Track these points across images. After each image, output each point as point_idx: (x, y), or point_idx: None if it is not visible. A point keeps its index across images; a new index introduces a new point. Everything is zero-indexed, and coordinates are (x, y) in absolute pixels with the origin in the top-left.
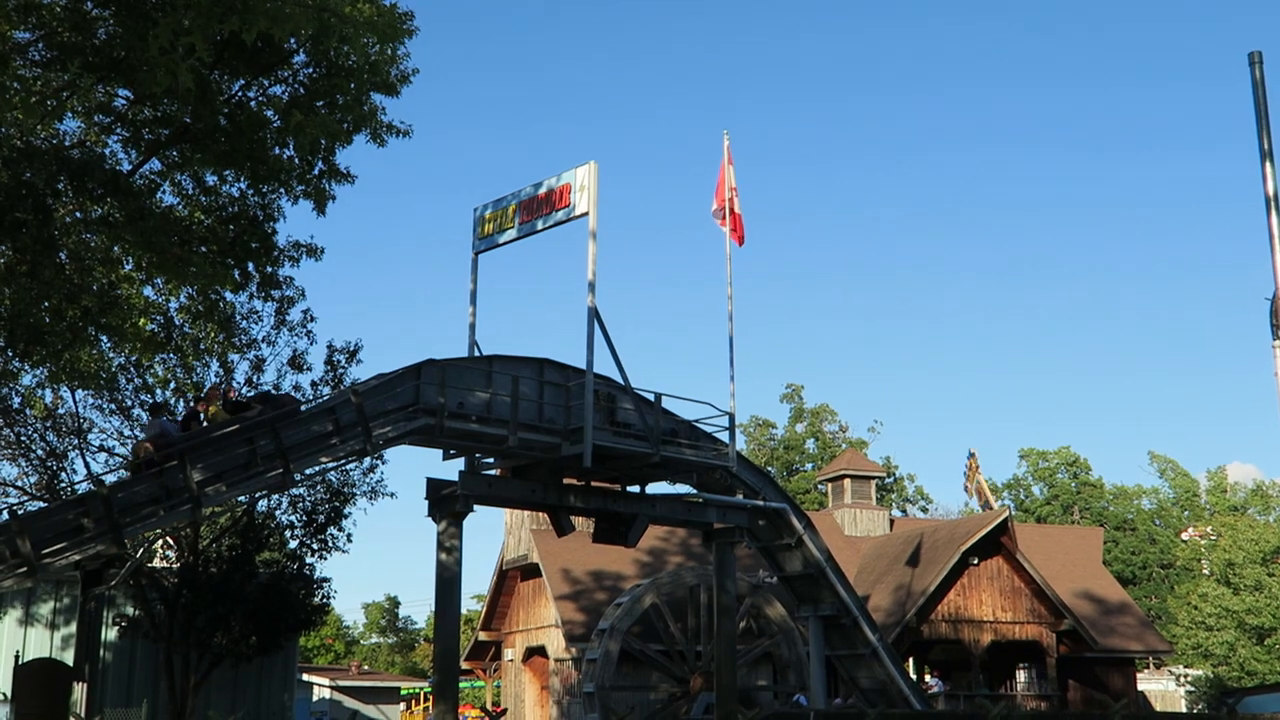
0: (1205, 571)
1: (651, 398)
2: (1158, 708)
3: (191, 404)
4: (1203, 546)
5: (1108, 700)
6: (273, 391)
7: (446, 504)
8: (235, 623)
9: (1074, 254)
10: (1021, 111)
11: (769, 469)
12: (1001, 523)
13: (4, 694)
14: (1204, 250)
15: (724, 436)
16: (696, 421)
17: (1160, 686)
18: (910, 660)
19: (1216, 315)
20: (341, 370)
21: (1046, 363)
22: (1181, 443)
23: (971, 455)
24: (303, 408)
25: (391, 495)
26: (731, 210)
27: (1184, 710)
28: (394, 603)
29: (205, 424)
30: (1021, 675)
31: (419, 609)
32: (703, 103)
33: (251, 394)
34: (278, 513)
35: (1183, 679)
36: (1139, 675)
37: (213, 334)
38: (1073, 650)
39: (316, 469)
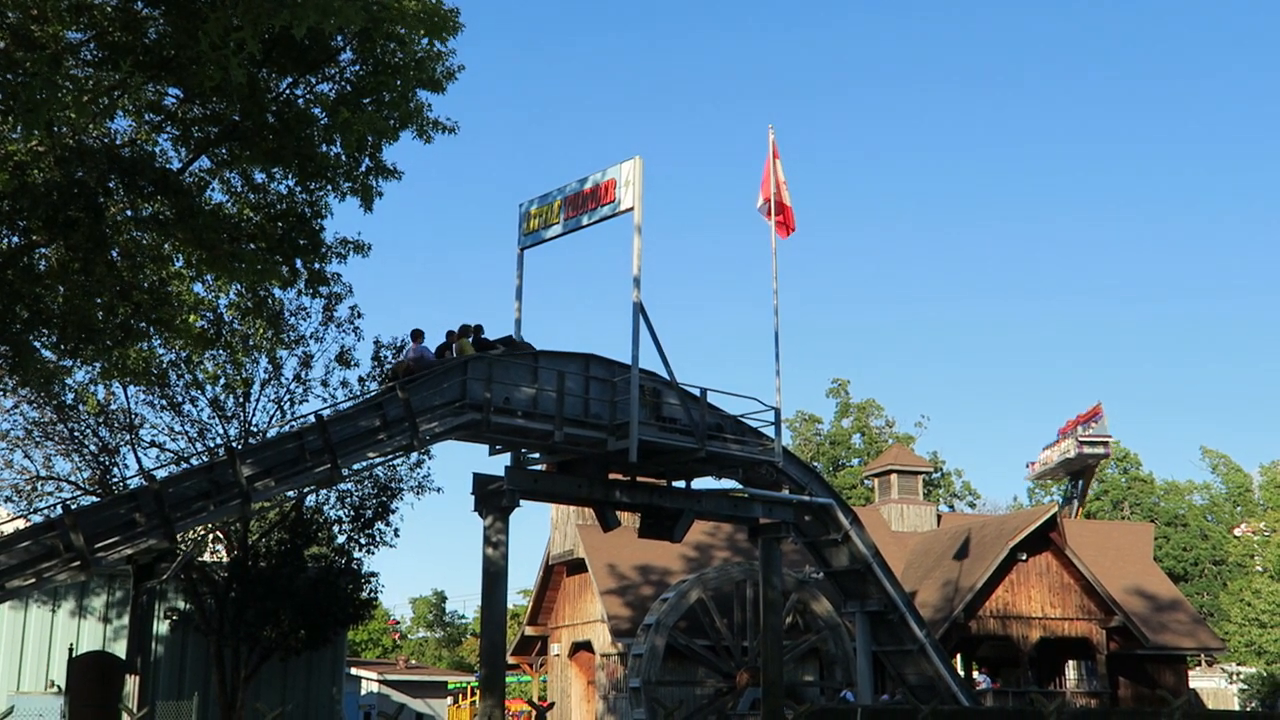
0: (1258, 568)
1: (697, 393)
2: (1210, 705)
3: (445, 338)
4: (1256, 542)
5: (1166, 696)
6: (514, 337)
7: (493, 499)
8: (284, 617)
9: (1124, 247)
10: (1065, 100)
11: (815, 464)
12: (1050, 518)
13: (58, 686)
14: (1260, 242)
15: (770, 431)
16: (742, 416)
17: (1213, 684)
18: (958, 656)
19: (1271, 308)
20: (388, 366)
21: (1095, 356)
22: (1234, 438)
23: None
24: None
25: (438, 490)
26: (780, 203)
27: (1237, 708)
28: (441, 597)
29: (455, 355)
30: (1071, 672)
31: (466, 604)
32: (749, 95)
33: (498, 337)
34: (326, 508)
35: (1235, 677)
36: (1190, 673)
37: (261, 330)
38: (1123, 647)
39: (364, 464)
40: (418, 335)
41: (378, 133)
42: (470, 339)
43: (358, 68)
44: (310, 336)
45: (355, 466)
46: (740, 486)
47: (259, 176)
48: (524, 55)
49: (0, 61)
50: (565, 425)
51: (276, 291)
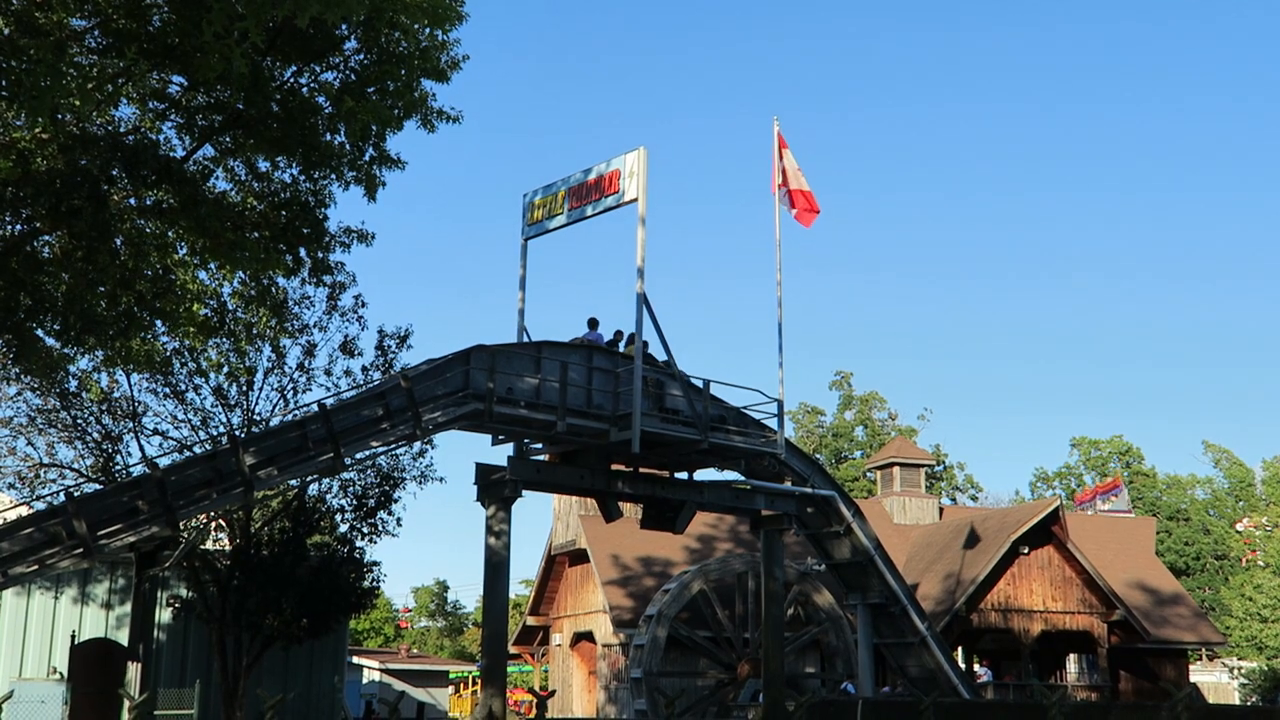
0: (1260, 562)
1: (700, 384)
2: (1211, 700)
3: (613, 336)
4: (1258, 537)
5: (1169, 689)
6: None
7: (495, 489)
8: (286, 605)
9: (1127, 241)
10: (1074, 96)
11: (818, 456)
12: (1052, 511)
13: (61, 673)
14: (1260, 237)
15: (773, 423)
16: (745, 408)
17: (1213, 678)
18: (959, 649)
19: (1275, 302)
20: (392, 355)
21: (1099, 350)
22: (1236, 432)
23: None
24: (353, 394)
25: (441, 480)
26: (796, 189)
27: (1237, 703)
28: (443, 587)
29: (617, 352)
30: (1072, 665)
31: (468, 593)
32: (753, 86)
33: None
34: (328, 496)
35: (1236, 671)
36: (1191, 667)
37: (265, 319)
38: (1124, 641)
39: (367, 453)
40: (593, 323)
41: (382, 122)
42: (634, 346)
43: (362, 57)
44: (314, 325)
45: (358, 455)
46: (743, 478)
47: (263, 165)
48: (528, 45)
49: (4, 48)
50: (568, 416)
51: (280, 280)
